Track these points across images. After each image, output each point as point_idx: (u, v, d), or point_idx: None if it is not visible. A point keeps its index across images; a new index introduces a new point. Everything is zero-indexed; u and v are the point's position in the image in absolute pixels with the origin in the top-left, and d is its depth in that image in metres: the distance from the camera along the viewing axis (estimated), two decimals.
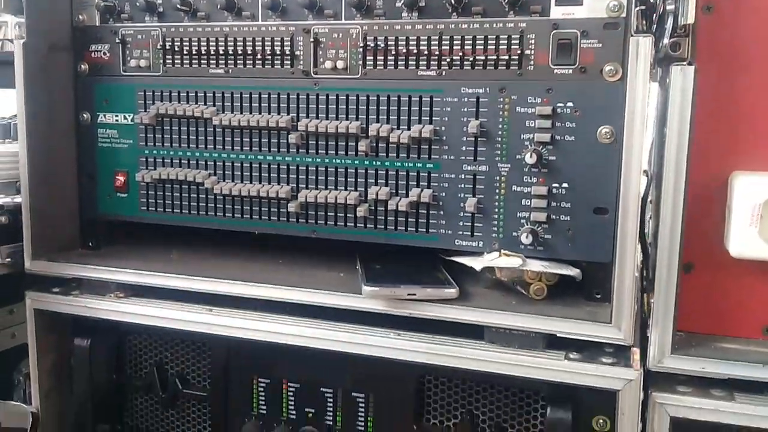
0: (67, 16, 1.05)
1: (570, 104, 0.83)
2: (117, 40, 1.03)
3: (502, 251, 0.87)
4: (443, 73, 0.88)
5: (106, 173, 1.06)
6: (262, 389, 1.00)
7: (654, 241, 0.82)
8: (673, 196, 0.75)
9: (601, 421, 0.83)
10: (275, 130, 0.96)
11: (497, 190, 0.87)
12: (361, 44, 0.91)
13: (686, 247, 0.76)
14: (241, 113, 0.97)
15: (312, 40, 0.93)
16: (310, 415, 0.98)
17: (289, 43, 0.94)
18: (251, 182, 0.98)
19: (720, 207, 0.79)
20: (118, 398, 1.09)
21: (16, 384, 1.24)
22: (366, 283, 0.87)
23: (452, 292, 0.86)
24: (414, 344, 0.86)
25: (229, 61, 0.98)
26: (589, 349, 0.82)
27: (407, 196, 0.91)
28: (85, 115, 1.06)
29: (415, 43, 0.88)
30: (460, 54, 0.87)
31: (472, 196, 0.88)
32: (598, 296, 0.85)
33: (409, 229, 0.92)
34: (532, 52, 0.84)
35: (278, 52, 0.95)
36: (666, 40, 0.75)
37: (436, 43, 0.87)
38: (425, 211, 0.91)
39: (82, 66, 1.05)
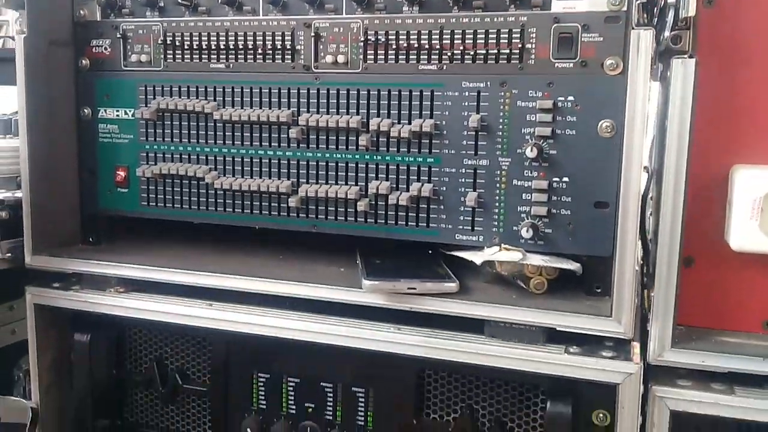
0: (68, 11, 1.05)
1: (571, 98, 0.83)
2: (118, 35, 1.03)
3: (503, 245, 0.87)
4: (444, 68, 0.88)
5: (106, 168, 1.06)
6: (262, 384, 1.00)
7: (654, 236, 0.82)
8: (674, 189, 0.75)
9: (601, 415, 0.83)
10: (276, 125, 0.96)
11: (498, 185, 0.87)
12: (362, 38, 0.91)
13: (686, 240, 0.76)
14: (242, 108, 0.97)
15: (313, 34, 0.93)
16: (310, 410, 0.97)
17: (289, 37, 0.94)
18: (252, 177, 0.98)
19: (720, 201, 0.79)
20: (118, 393, 1.09)
21: (16, 380, 1.24)
22: (366, 277, 0.87)
23: (452, 286, 0.86)
24: (414, 338, 0.86)
25: (229, 56, 0.98)
26: (589, 343, 0.82)
27: (408, 190, 0.91)
28: (86, 110, 1.06)
29: (415, 37, 0.88)
30: (461, 48, 0.87)
31: (473, 191, 0.88)
32: (599, 290, 0.85)
33: (409, 223, 0.92)
34: (533, 46, 0.84)
35: (279, 47, 0.95)
36: (667, 33, 0.75)
37: (437, 37, 0.88)
38: (426, 206, 0.91)
39: (83, 61, 1.05)
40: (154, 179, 1.03)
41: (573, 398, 0.82)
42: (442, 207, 0.90)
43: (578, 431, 0.83)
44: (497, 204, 0.88)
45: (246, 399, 1.00)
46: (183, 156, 1.02)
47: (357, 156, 0.93)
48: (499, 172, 0.87)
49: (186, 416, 1.07)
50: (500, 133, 0.86)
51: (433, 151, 0.90)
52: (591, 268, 0.86)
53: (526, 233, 0.85)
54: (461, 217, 0.89)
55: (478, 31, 0.86)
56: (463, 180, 0.89)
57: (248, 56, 0.97)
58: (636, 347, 0.82)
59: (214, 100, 0.99)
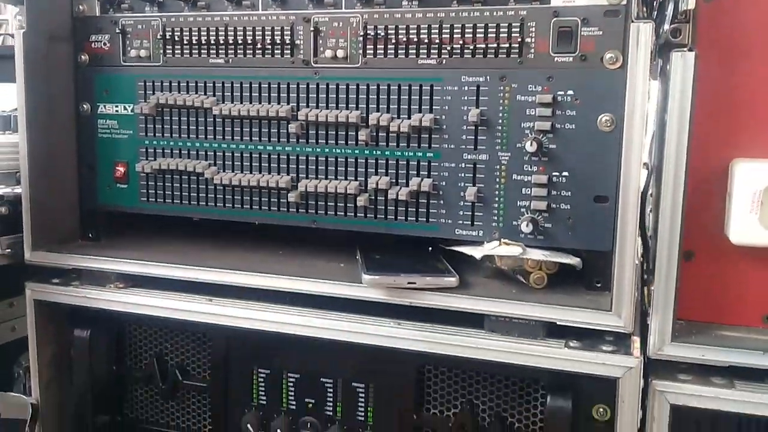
0: (67, 7, 1.04)
1: (570, 92, 0.83)
2: (117, 31, 1.03)
3: (502, 240, 0.87)
4: (443, 62, 0.88)
5: (106, 164, 1.06)
6: (262, 380, 1.00)
7: (654, 232, 0.82)
8: (674, 182, 0.75)
9: (601, 409, 0.83)
10: (275, 120, 0.96)
11: (497, 179, 0.87)
12: (361, 33, 0.91)
13: (686, 235, 0.76)
14: (241, 103, 0.97)
15: (312, 29, 0.93)
16: (310, 405, 0.97)
17: (289, 32, 0.94)
18: (251, 172, 0.98)
19: (720, 195, 0.79)
20: (118, 389, 1.09)
21: (16, 377, 1.23)
22: (366, 272, 0.87)
23: (452, 280, 0.86)
24: (414, 333, 0.86)
25: (229, 51, 0.98)
26: (589, 338, 0.82)
27: (407, 185, 0.91)
28: (85, 106, 1.06)
29: (415, 31, 0.88)
30: (461, 42, 0.87)
31: (473, 185, 0.88)
32: (599, 285, 0.85)
33: (409, 218, 0.92)
34: (533, 40, 0.84)
35: (278, 42, 0.95)
36: (666, 27, 0.75)
37: (437, 31, 0.87)
38: (425, 201, 0.91)
39: (82, 56, 1.05)
40: (153, 175, 1.03)
41: (573, 393, 0.82)
42: (441, 202, 0.90)
43: (578, 426, 0.83)
44: (497, 199, 0.88)
45: (246, 394, 1.00)
46: (182, 151, 1.02)
47: (356, 151, 0.93)
48: (498, 167, 0.87)
49: (186, 412, 1.07)
50: (500, 128, 0.86)
51: (432, 145, 0.90)
52: (591, 262, 0.86)
53: (525, 228, 0.85)
54: (461, 212, 0.89)
55: (478, 25, 0.86)
56: (462, 175, 0.89)
57: (247, 51, 0.97)
58: (636, 341, 0.82)
59: (214, 95, 0.99)
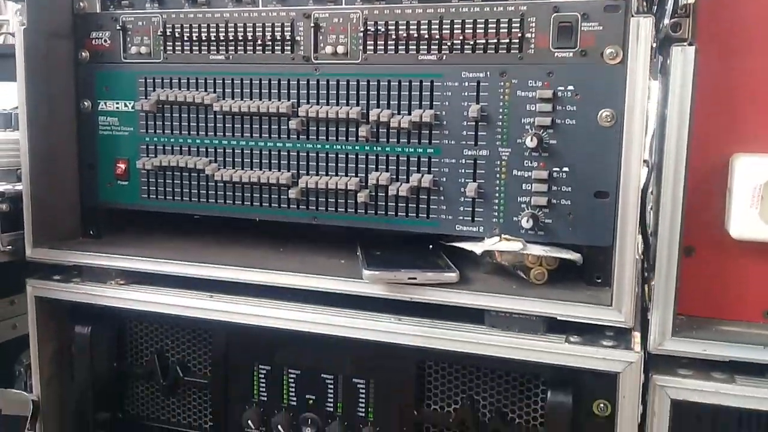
0: (68, 3, 1.05)
1: (571, 88, 0.83)
2: (118, 27, 1.03)
3: (503, 236, 0.87)
4: (444, 58, 0.88)
5: (106, 161, 1.06)
6: (262, 376, 1.00)
7: (655, 229, 0.82)
8: (674, 177, 0.75)
9: (601, 405, 0.83)
10: (276, 117, 0.96)
11: (498, 175, 0.87)
12: (362, 29, 0.91)
13: (687, 230, 0.76)
14: (242, 99, 0.97)
15: (312, 25, 0.93)
16: (311, 401, 0.97)
17: (289, 28, 0.94)
18: (252, 169, 0.98)
19: (721, 189, 0.79)
20: (119, 386, 1.10)
21: (17, 375, 1.24)
22: (367, 267, 0.87)
23: (452, 276, 0.86)
24: (414, 329, 0.86)
25: (229, 48, 0.98)
26: (590, 333, 0.82)
27: (408, 181, 0.91)
28: (85, 103, 1.06)
29: (415, 27, 0.88)
30: (461, 38, 0.87)
31: (473, 181, 0.88)
32: (599, 280, 0.85)
33: (409, 214, 0.92)
34: (533, 35, 0.84)
35: (278, 38, 0.95)
36: (666, 21, 0.75)
37: (437, 27, 0.87)
38: (426, 197, 0.91)
39: (83, 53, 1.05)
40: (154, 171, 1.03)
41: (574, 388, 0.83)
42: (442, 198, 0.90)
43: (579, 421, 0.83)
44: (497, 194, 0.88)
45: (247, 391, 1.00)
46: (183, 148, 1.02)
47: (357, 147, 0.93)
48: (499, 163, 0.87)
49: (187, 408, 1.07)
50: (500, 123, 0.86)
51: (433, 141, 0.90)
52: (591, 258, 0.86)
53: (526, 223, 0.85)
54: (461, 208, 0.89)
55: (478, 20, 0.86)
56: (463, 170, 0.89)
57: (248, 47, 0.97)
58: (636, 337, 0.82)
59: (214, 91, 0.99)
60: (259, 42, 0.96)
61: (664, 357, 0.79)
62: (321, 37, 0.93)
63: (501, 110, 0.86)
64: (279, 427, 0.98)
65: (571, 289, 0.85)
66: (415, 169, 0.91)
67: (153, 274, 0.99)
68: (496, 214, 0.88)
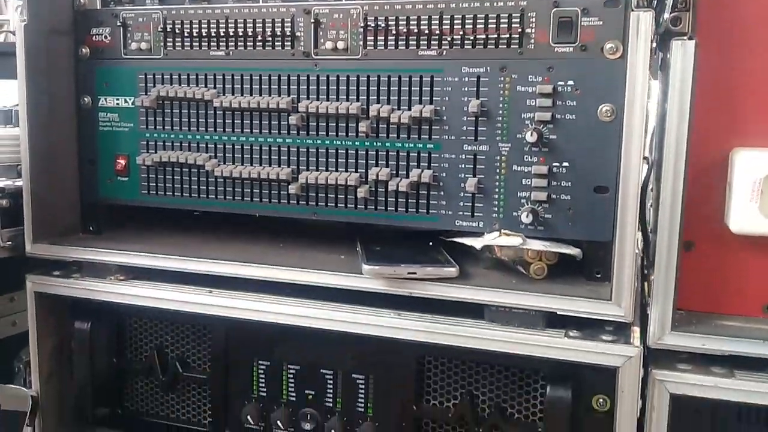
0: (68, 0, 1.05)
1: (571, 82, 0.83)
2: (118, 23, 1.03)
3: (503, 231, 0.87)
4: (444, 53, 0.88)
5: (106, 157, 1.06)
6: (262, 371, 1.00)
7: (654, 224, 0.82)
8: (674, 171, 0.75)
9: (601, 400, 0.83)
10: (276, 112, 0.96)
11: (498, 170, 0.87)
12: (362, 24, 0.91)
13: (686, 224, 0.76)
14: (242, 95, 0.97)
15: (312, 20, 0.93)
16: (310, 397, 0.97)
17: (289, 24, 0.94)
18: (252, 164, 0.98)
19: (720, 184, 0.79)
20: (119, 382, 1.10)
21: (17, 372, 1.24)
22: (366, 262, 0.87)
23: (452, 270, 0.86)
24: (414, 324, 0.86)
25: (229, 43, 0.98)
26: (589, 327, 0.82)
27: (408, 176, 0.91)
28: (86, 99, 1.06)
29: (415, 22, 0.88)
30: (461, 33, 0.87)
31: (473, 176, 0.88)
32: (599, 275, 0.85)
33: (409, 210, 0.92)
34: (533, 30, 0.84)
35: (278, 34, 0.95)
36: (666, 15, 0.75)
37: (437, 22, 0.87)
38: (426, 192, 0.91)
39: (83, 49, 1.05)
40: (154, 167, 1.03)
41: (573, 383, 0.83)
42: (442, 193, 0.90)
43: (578, 416, 0.83)
44: (497, 189, 0.88)
45: (246, 386, 1.00)
46: (183, 144, 1.02)
47: (357, 142, 0.93)
48: (499, 158, 0.87)
49: (186, 404, 1.07)
50: (500, 119, 0.86)
51: (433, 137, 0.90)
52: (591, 253, 0.86)
53: (526, 218, 0.85)
54: (461, 203, 0.89)
55: (478, 15, 0.86)
56: (463, 166, 0.89)
57: (248, 43, 0.97)
58: (636, 331, 0.82)
59: (214, 87, 0.99)
60: (259, 38, 0.96)
61: (663, 351, 0.79)
62: (321, 33, 0.93)
63: (501, 105, 0.86)
64: (278, 422, 0.98)
65: (570, 284, 0.85)
66: (415, 164, 0.91)
67: (153, 269, 0.99)
68: (496, 209, 0.88)
